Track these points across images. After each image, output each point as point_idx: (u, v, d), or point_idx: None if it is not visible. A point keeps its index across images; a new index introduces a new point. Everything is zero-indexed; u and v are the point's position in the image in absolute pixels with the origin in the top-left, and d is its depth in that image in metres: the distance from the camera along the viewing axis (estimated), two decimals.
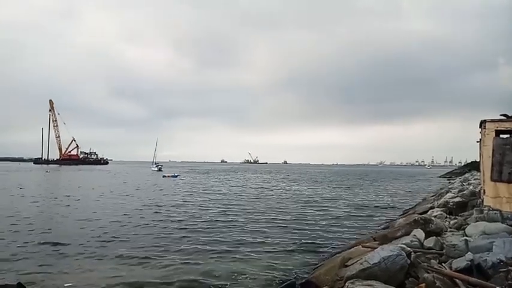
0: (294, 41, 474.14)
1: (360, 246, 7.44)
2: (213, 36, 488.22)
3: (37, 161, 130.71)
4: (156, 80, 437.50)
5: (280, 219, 16.00)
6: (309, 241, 11.75)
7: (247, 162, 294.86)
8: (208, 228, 13.80)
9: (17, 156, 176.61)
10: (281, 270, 8.58)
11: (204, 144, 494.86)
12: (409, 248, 5.53)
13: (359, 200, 24.94)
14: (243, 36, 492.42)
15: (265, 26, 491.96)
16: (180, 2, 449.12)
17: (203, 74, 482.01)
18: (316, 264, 8.85)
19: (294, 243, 11.43)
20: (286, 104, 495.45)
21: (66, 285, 7.38)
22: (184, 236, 12.26)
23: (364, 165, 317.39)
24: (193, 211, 18.45)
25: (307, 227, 14.19)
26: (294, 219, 16.08)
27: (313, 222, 15.52)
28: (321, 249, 10.72)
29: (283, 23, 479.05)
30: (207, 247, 10.75)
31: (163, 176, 56.77)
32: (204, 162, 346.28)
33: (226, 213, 17.84)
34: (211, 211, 18.47)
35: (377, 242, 7.61)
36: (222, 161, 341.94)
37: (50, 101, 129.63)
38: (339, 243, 11.44)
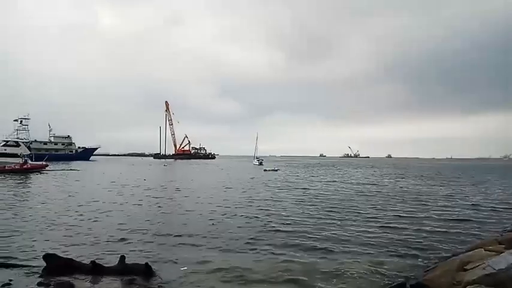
0: (397, 26, 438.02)
1: (482, 249, 6.75)
2: (307, 30, 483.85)
3: (156, 156, 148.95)
4: (255, 78, 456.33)
5: (385, 218, 15.26)
6: (419, 242, 10.99)
7: (347, 156, 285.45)
8: (308, 224, 13.89)
9: (139, 152, 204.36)
10: (389, 270, 8.27)
11: (303, 139, 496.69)
12: None
13: (479, 199, 22.13)
14: (338, 26, 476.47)
15: (361, 14, 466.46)
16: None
17: (300, 69, 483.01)
18: (428, 266, 8.29)
19: (401, 243, 10.84)
20: (389, 95, 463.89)
21: (182, 268, 8.31)
22: (285, 231, 12.57)
23: (485, 159, 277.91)
24: (294, 206, 18.77)
25: (416, 227, 13.25)
26: (401, 218, 15.17)
27: (423, 221, 14.39)
28: (432, 251, 9.94)
29: (380, 8, 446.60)
30: (309, 244, 10.81)
31: (265, 170, 58.86)
32: (303, 156, 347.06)
33: (327, 209, 17.66)
34: (311, 207, 18.54)
35: (503, 246, 6.79)
36: (321, 155, 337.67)
37: (166, 102, 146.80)
38: (454, 245, 10.45)
